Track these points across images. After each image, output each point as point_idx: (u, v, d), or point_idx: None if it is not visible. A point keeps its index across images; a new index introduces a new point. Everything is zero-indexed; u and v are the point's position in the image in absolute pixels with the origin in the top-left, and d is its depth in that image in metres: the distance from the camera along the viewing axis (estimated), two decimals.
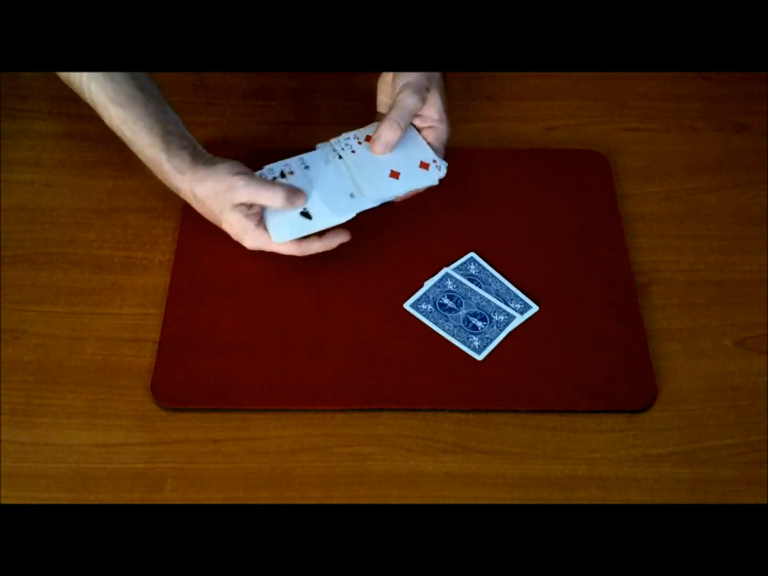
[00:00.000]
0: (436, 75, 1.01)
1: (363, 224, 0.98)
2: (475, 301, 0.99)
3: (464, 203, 1.07)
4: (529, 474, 0.89)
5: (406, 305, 0.98)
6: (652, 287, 1.02)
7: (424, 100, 0.99)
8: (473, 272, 1.01)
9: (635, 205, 1.08)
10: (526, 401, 0.93)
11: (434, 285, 1.00)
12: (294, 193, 0.95)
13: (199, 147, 0.98)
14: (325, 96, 1.19)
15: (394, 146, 0.99)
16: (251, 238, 0.98)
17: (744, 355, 0.97)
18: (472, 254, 1.02)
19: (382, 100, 1.04)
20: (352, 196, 0.97)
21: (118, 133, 0.97)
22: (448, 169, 1.00)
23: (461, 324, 0.97)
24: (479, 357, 0.95)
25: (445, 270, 1.01)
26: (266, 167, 0.99)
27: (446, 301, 0.99)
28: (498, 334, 0.96)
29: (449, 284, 1.00)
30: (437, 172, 0.99)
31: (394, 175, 0.98)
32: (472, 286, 1.00)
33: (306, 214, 0.96)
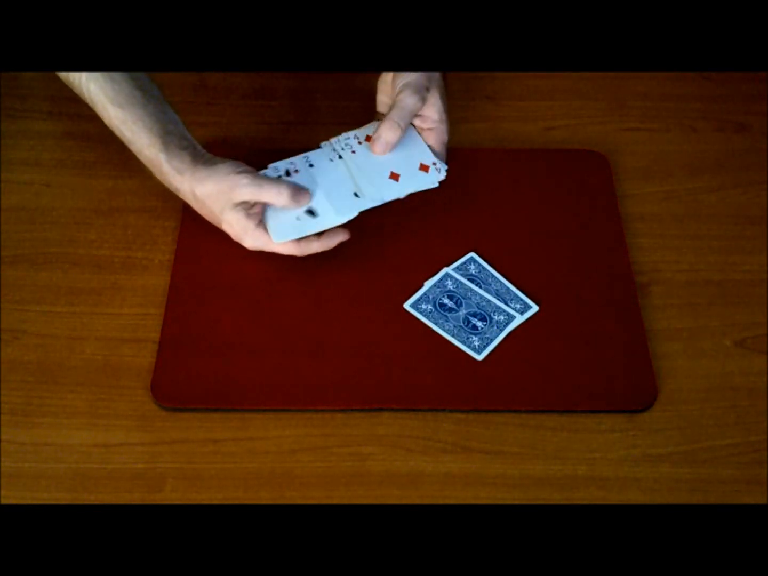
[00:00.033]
0: (436, 75, 1.01)
1: (363, 224, 0.98)
2: (475, 301, 0.99)
3: (464, 203, 1.07)
4: (529, 474, 0.89)
5: (406, 305, 0.98)
6: (652, 287, 1.02)
7: (424, 101, 0.99)
8: (473, 272, 1.01)
9: (635, 205, 1.08)
10: (526, 401, 0.93)
11: (434, 285, 1.00)
12: (299, 191, 0.95)
13: (199, 147, 0.98)
14: (325, 96, 1.19)
15: (393, 146, 0.99)
16: (251, 238, 0.98)
17: (744, 355, 0.97)
18: (472, 254, 1.02)
19: (382, 100, 1.04)
20: (354, 195, 0.97)
21: (118, 133, 0.97)
22: (448, 170, 1.00)
23: (461, 324, 0.97)
24: (479, 357, 0.95)
25: (445, 270, 1.01)
26: (271, 165, 0.99)
27: (446, 301, 0.99)
28: (498, 334, 0.96)
29: (449, 284, 1.00)
30: (437, 175, 0.99)
31: (394, 176, 0.98)
32: (472, 286, 1.00)
33: (311, 212, 0.96)
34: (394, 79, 1.00)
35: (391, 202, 0.98)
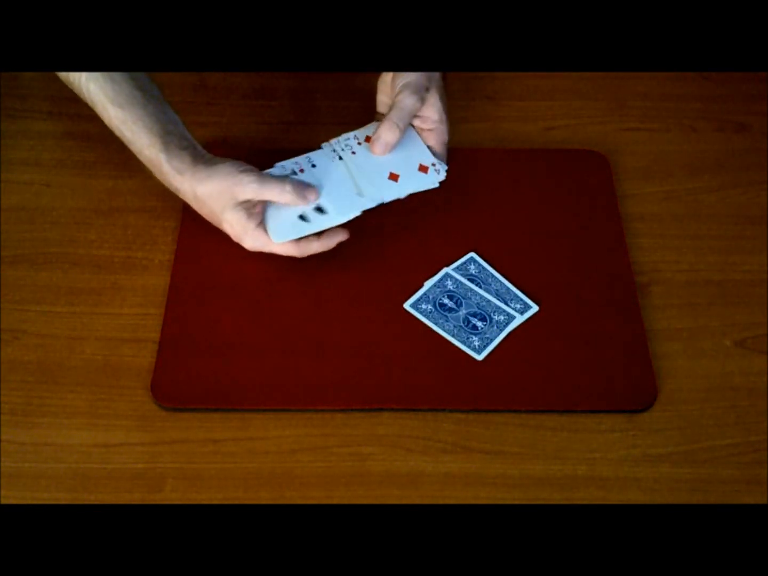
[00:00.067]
0: (436, 75, 1.01)
1: (363, 224, 0.98)
2: (475, 301, 0.99)
3: (464, 203, 1.07)
4: (529, 474, 0.89)
5: (406, 305, 0.98)
6: (652, 287, 1.02)
7: (423, 101, 0.99)
8: (473, 272, 1.01)
9: (635, 205, 1.08)
10: (526, 401, 0.93)
11: (434, 285, 1.00)
12: (303, 187, 0.95)
13: (199, 147, 0.98)
14: (325, 96, 1.19)
15: (393, 147, 0.99)
16: (251, 239, 0.97)
17: (744, 355, 0.97)
18: (472, 254, 1.02)
19: (382, 100, 1.04)
20: (354, 196, 0.97)
21: (118, 133, 0.97)
22: (448, 170, 1.00)
23: (461, 324, 0.97)
24: (479, 357, 0.95)
25: (445, 270, 1.01)
26: (278, 164, 0.99)
27: (446, 301, 0.99)
28: (498, 334, 0.96)
29: (449, 284, 1.00)
30: (436, 176, 0.99)
31: (393, 177, 0.98)
32: (472, 286, 1.00)
33: (310, 213, 0.96)
34: (393, 79, 1.00)
35: (392, 202, 0.98)
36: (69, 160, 1.11)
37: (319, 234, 0.97)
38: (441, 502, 0.87)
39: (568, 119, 1.17)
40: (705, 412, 0.93)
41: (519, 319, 0.97)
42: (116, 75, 0.96)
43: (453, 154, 1.03)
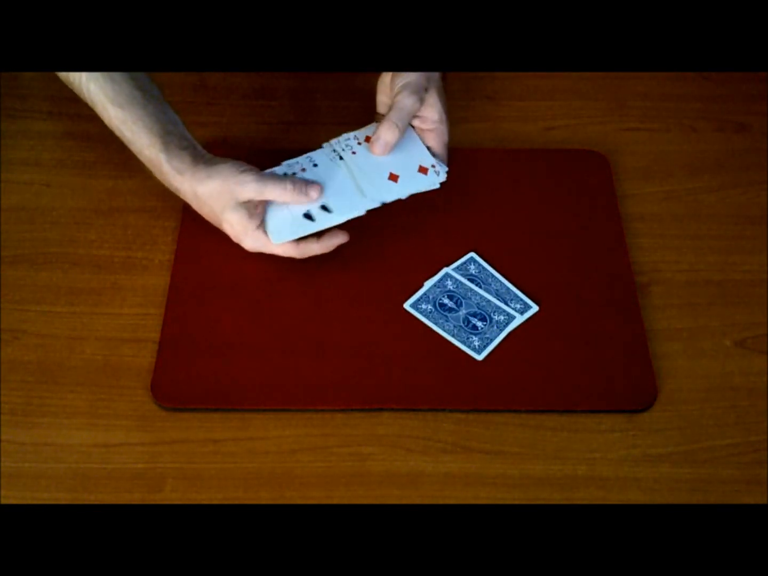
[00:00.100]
0: (435, 75, 1.01)
1: (363, 224, 0.98)
2: (475, 301, 0.99)
3: (464, 203, 1.07)
4: (529, 474, 0.89)
5: (406, 305, 0.98)
6: (652, 287, 1.02)
7: (422, 101, 0.99)
8: (473, 272, 1.01)
9: (635, 205, 1.08)
10: (526, 401, 0.93)
11: (434, 285, 1.00)
12: (306, 185, 0.95)
13: (199, 147, 0.98)
14: (325, 96, 1.19)
15: (392, 147, 0.99)
16: (251, 239, 0.97)
17: (744, 355, 0.97)
18: (472, 254, 1.02)
19: (382, 100, 1.04)
20: (356, 195, 0.97)
21: (118, 133, 0.97)
22: (448, 171, 1.00)
23: (461, 324, 0.97)
24: (479, 357, 0.95)
25: (445, 270, 1.01)
26: (285, 163, 0.99)
27: (446, 301, 0.99)
28: (498, 334, 0.96)
29: (449, 284, 1.00)
30: (436, 177, 0.99)
31: (393, 177, 0.98)
32: (472, 286, 1.00)
33: (310, 214, 0.96)
34: (392, 79, 1.00)
35: (393, 202, 0.98)
36: (69, 160, 1.11)
37: (319, 236, 0.97)
38: (441, 502, 0.87)
39: (568, 119, 1.17)
40: (705, 412, 0.93)
41: (519, 319, 0.97)
42: (116, 75, 0.96)
43: (453, 154, 1.03)
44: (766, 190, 1.10)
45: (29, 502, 0.87)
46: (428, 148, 1.01)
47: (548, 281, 1.00)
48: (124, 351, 0.96)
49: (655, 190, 1.10)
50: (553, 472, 0.89)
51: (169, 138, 0.96)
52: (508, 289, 1.00)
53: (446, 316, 0.97)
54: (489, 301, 0.99)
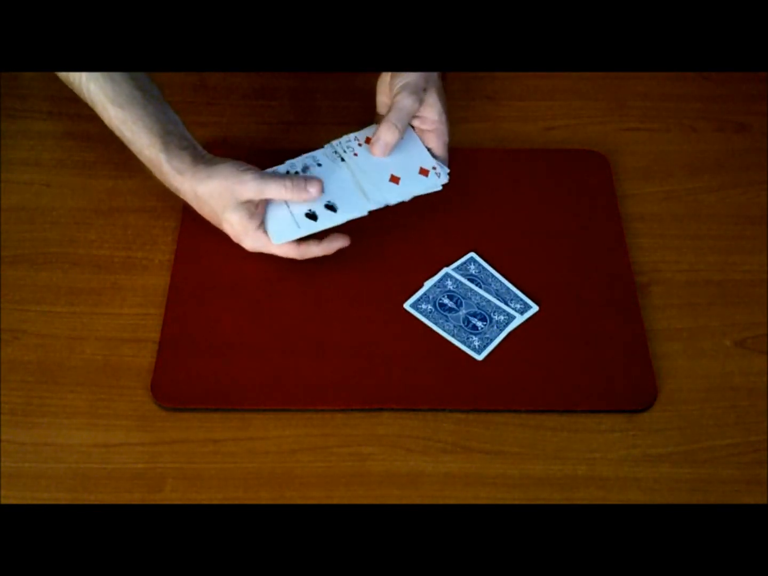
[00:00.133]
0: (434, 75, 1.01)
1: (363, 224, 0.98)
2: (475, 301, 0.99)
3: (464, 203, 1.07)
4: (529, 474, 0.89)
5: (406, 305, 0.98)
6: (652, 287, 1.02)
7: (421, 101, 0.99)
8: (473, 272, 1.01)
9: (635, 205, 1.08)
10: (526, 401, 0.93)
11: (434, 285, 1.00)
12: (305, 181, 0.95)
13: (199, 147, 0.98)
14: (325, 96, 1.19)
15: (392, 147, 0.99)
16: (251, 240, 0.97)
17: (744, 355, 0.97)
18: (472, 254, 1.02)
19: (382, 101, 1.04)
20: (359, 197, 0.97)
21: (118, 133, 0.97)
22: (450, 172, 1.00)
23: (461, 324, 0.97)
24: (479, 357, 0.95)
25: (445, 270, 1.01)
26: (288, 162, 0.99)
27: (446, 301, 0.99)
28: (498, 334, 0.96)
29: (449, 284, 1.00)
30: (437, 179, 0.99)
31: (394, 179, 0.98)
32: (472, 286, 1.00)
33: (311, 215, 0.96)
34: (391, 80, 1.00)
35: (396, 204, 0.98)
36: (69, 160, 1.11)
37: (320, 238, 0.97)
38: (441, 502, 0.87)
39: (568, 119, 1.17)
40: (705, 412, 0.93)
41: (519, 319, 0.97)
42: (116, 75, 0.96)
43: (453, 154, 1.03)
44: (766, 190, 1.10)
45: (29, 502, 0.87)
46: (429, 149, 1.01)
47: (548, 281, 1.00)
48: (124, 351, 0.96)
49: (655, 190, 1.10)
50: (553, 472, 0.89)
51: (169, 138, 0.96)
52: (508, 289, 1.00)
53: (446, 316, 0.97)
54: (489, 301, 0.99)
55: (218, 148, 1.01)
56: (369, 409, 0.92)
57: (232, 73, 1.20)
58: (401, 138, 0.99)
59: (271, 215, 0.97)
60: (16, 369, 0.95)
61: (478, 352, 0.95)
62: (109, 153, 1.09)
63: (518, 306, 0.98)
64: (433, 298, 0.99)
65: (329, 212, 0.96)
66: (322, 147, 1.01)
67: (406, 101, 0.98)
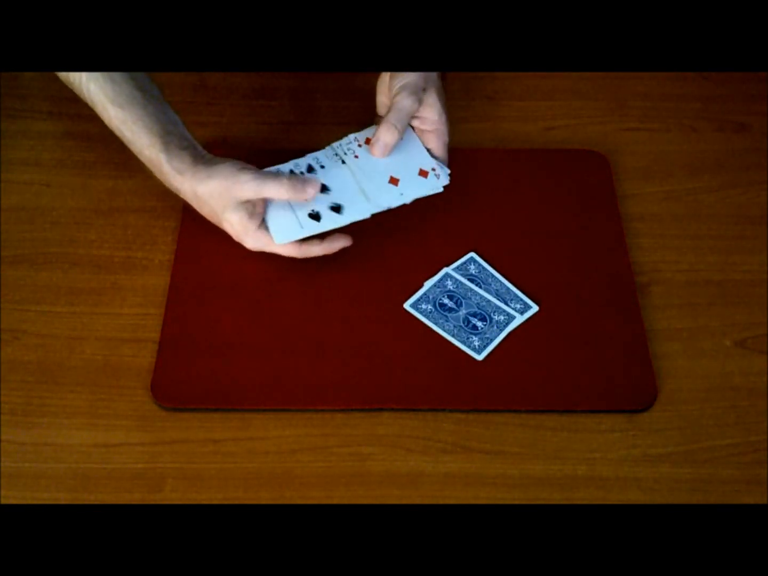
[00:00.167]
0: (433, 75, 1.01)
1: (363, 224, 0.98)
2: (475, 301, 0.99)
3: (464, 203, 1.07)
4: (529, 474, 0.89)
5: (406, 305, 0.98)
6: (652, 287, 1.02)
7: (420, 101, 0.99)
8: (473, 272, 1.01)
9: (635, 205, 1.08)
10: (526, 401, 0.93)
11: (434, 285, 1.00)
12: (303, 182, 0.95)
13: (200, 147, 0.98)
14: (325, 96, 1.19)
15: (392, 148, 0.99)
16: (252, 239, 0.97)
17: (744, 355, 0.97)
18: (472, 254, 1.02)
19: (382, 101, 1.04)
20: (361, 200, 0.97)
21: (118, 133, 0.97)
22: (450, 173, 1.00)
23: (461, 324, 0.97)
24: (479, 357, 0.95)
25: (445, 270, 1.01)
26: (292, 162, 0.99)
27: (446, 301, 0.99)
28: (498, 334, 0.96)
29: (449, 284, 1.00)
30: (437, 181, 0.99)
31: (393, 181, 0.98)
32: (472, 286, 1.00)
33: (313, 215, 0.96)
34: (391, 80, 1.00)
35: (398, 207, 0.98)
36: (69, 160, 1.11)
37: (322, 237, 0.97)
38: (441, 502, 0.87)
39: (568, 119, 1.17)
40: (705, 412, 0.93)
41: (519, 319, 0.97)
42: (116, 75, 0.96)
43: (453, 154, 1.03)
44: (766, 190, 1.10)
45: (29, 502, 0.87)
46: (429, 150, 1.01)
47: (548, 281, 1.00)
48: (124, 351, 0.96)
49: (655, 190, 1.10)
50: (553, 472, 0.89)
51: (169, 138, 0.96)
52: (508, 289, 1.00)
53: (446, 316, 0.97)
54: (489, 301, 0.99)
55: (218, 148, 1.01)
56: (369, 409, 0.92)
57: (232, 73, 1.20)
58: (401, 138, 0.99)
59: (274, 215, 0.97)
60: (16, 369, 0.95)
61: (478, 352, 0.95)
62: (109, 153, 1.09)
63: (518, 306, 0.98)
64: (433, 298, 0.99)
65: (333, 214, 0.96)
66: (323, 149, 1.01)
67: (406, 101, 0.98)
